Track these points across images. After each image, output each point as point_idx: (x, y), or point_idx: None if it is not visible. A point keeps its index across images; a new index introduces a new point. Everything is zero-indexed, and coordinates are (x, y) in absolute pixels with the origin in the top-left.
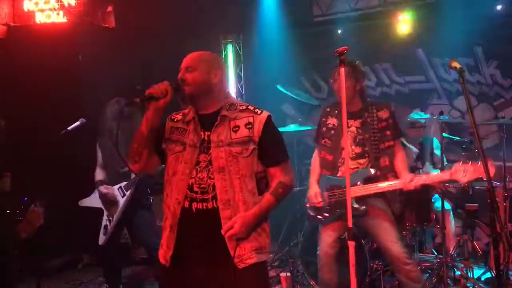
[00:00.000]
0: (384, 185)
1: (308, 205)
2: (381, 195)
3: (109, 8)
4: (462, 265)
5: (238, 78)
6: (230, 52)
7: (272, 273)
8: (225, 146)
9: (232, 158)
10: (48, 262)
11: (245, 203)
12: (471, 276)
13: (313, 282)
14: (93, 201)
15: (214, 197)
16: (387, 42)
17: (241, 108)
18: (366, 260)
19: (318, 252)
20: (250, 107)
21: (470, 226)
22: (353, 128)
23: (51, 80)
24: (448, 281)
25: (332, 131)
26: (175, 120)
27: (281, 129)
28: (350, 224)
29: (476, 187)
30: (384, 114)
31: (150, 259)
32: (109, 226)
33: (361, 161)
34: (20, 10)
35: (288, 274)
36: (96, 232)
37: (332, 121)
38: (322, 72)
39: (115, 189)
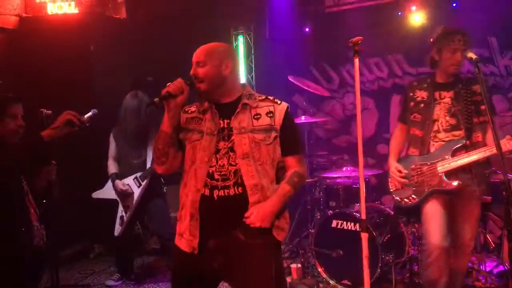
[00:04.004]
0: (477, 154)
1: (392, 189)
2: (470, 171)
3: None
4: (474, 258)
5: (249, 69)
6: (240, 43)
7: None
8: (248, 132)
9: (255, 145)
10: (61, 252)
11: (268, 188)
12: (484, 269)
13: (324, 274)
14: (106, 192)
15: (236, 184)
16: (400, 33)
17: (260, 98)
18: (377, 252)
19: (424, 248)
20: (269, 97)
21: (483, 219)
22: (447, 99)
23: (63, 71)
24: None
25: (422, 104)
26: (189, 111)
27: None
28: (363, 215)
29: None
30: (478, 88)
31: (162, 249)
32: (125, 217)
33: (456, 133)
34: (31, 1)
35: (299, 265)
36: (108, 222)
37: (420, 94)
38: (333, 63)
39: (131, 180)
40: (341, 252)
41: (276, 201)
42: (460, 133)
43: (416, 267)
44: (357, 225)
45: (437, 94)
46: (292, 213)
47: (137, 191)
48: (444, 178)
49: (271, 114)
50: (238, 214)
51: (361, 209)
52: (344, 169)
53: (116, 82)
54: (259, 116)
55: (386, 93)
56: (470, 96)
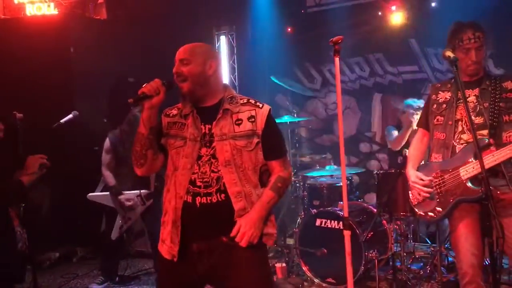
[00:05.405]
0: (505, 152)
1: (414, 203)
2: (502, 174)
3: (101, 0)
4: None
5: (232, 69)
6: (223, 43)
7: None
8: (229, 139)
9: (237, 152)
10: (43, 256)
11: (252, 194)
12: None
13: (308, 273)
14: (105, 199)
15: (218, 190)
16: (380, 33)
17: (242, 101)
18: (361, 249)
19: (458, 268)
20: (251, 101)
21: None
22: (473, 98)
23: (43, 73)
24: (442, 270)
25: (444, 105)
26: (171, 115)
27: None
28: (346, 213)
29: None
30: (510, 84)
31: (154, 251)
32: (125, 226)
33: (483, 132)
34: (10, 2)
35: (284, 264)
36: (90, 226)
37: (443, 95)
38: (315, 63)
39: (134, 197)
40: (325, 251)
41: (260, 209)
42: (487, 132)
43: (399, 263)
44: (341, 223)
45: (460, 93)
46: (276, 213)
47: (140, 208)
48: (470, 185)
49: (253, 119)
50: (221, 221)
51: (343, 207)
52: (327, 168)
53: (96, 84)
54: (240, 121)
55: (367, 92)
56: (499, 93)
